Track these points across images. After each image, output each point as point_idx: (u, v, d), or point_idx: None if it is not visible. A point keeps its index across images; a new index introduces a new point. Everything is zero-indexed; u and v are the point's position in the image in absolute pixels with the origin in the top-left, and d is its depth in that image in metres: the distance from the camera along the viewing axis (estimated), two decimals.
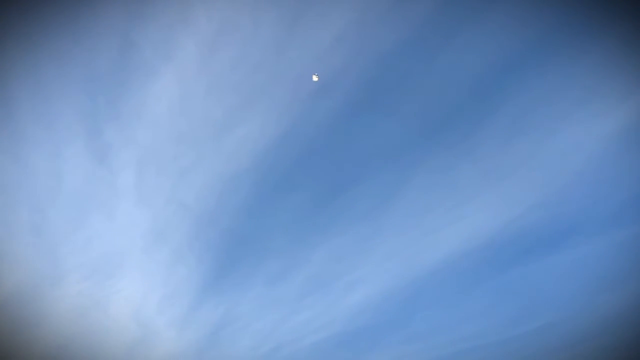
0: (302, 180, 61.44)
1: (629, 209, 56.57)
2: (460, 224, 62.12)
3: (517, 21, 50.75)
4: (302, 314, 66.69)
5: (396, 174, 59.74)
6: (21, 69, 49.34)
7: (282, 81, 54.51)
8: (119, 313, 61.05)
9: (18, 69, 49.26)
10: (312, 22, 52.38)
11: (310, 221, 65.54)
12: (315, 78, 32.69)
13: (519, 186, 61.20)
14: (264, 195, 63.73)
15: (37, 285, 54.36)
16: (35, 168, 52.10)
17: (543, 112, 55.49)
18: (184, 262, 63.18)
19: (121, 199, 56.25)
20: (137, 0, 49.37)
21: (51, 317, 57.77)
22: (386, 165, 60.32)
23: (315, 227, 65.21)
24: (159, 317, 63.61)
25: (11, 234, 51.89)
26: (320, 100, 54.96)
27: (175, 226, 59.96)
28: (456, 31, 52.78)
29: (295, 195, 65.38)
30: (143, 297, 63.79)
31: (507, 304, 63.65)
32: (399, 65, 54.65)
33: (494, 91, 56.75)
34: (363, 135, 58.40)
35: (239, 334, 65.15)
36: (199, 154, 56.49)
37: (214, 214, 62.33)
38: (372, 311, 64.62)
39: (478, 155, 58.93)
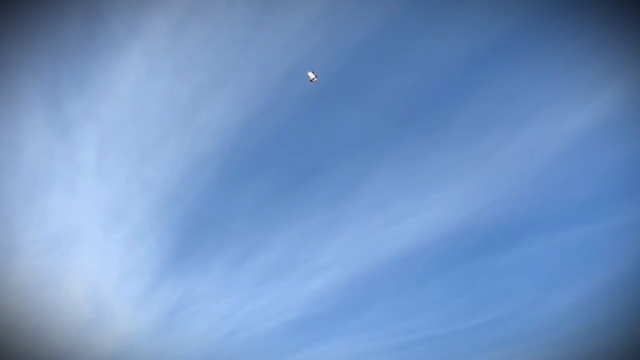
0: (266, 165, 61.25)
1: (586, 209, 58.33)
2: (422, 216, 62.94)
3: (487, 19, 51.54)
4: (261, 299, 66.47)
5: (361, 164, 60.14)
6: None
7: (252, 65, 54.15)
8: (74, 291, 59.76)
9: None
10: (284, 8, 52.12)
11: (273, 207, 65.36)
12: (311, 76, 31.51)
13: (481, 181, 62.36)
14: (228, 178, 63.29)
15: None
16: None
17: (508, 109, 56.52)
18: (143, 242, 62.18)
19: (81, 174, 55.03)
20: None
21: (1, 293, 56.24)
22: (351, 155, 60.66)
23: (278, 213, 65.04)
24: (116, 296, 62.48)
25: None
26: (289, 87, 54.83)
27: (136, 205, 58.99)
28: (427, 26, 53.28)
29: (259, 180, 65.08)
30: (100, 275, 62.53)
31: (463, 295, 64.77)
32: (369, 56, 54.92)
33: (461, 87, 57.59)
34: (330, 123, 58.51)
35: (196, 317, 64.55)
36: (163, 134, 55.64)
37: (176, 195, 61.56)
38: (331, 299, 64.84)
39: (442, 149, 59.82)
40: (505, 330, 62.95)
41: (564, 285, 60.66)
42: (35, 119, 51.26)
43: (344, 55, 54.39)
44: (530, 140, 56.14)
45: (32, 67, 49.61)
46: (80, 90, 52.28)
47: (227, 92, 54.93)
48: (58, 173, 54.14)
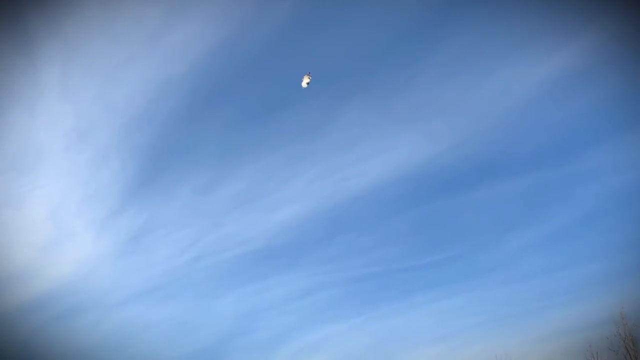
0: (236, 93, 60.61)
1: (546, 154, 59.99)
2: (387, 155, 63.74)
3: None
4: (225, 228, 67.00)
5: (332, 100, 60.09)
6: None
7: None
8: (35, 211, 59.05)
9: None
10: None
11: (242, 137, 65.10)
12: (306, 79, 30.09)
13: (447, 124, 63.24)
14: (196, 105, 62.48)
15: None
16: None
17: (475, 55, 56.86)
18: (107, 165, 61.45)
19: (44, 93, 53.52)
20: None
21: None
22: (322, 90, 60.49)
23: (246, 143, 64.88)
24: (78, 218, 62.05)
25: None
26: (263, 14, 53.84)
27: (100, 128, 57.94)
28: None
29: (228, 109, 64.47)
30: (62, 196, 61.78)
31: (423, 233, 66.59)
32: None
33: (429, 31, 57.55)
34: (302, 56, 57.93)
35: (159, 242, 64.80)
36: (131, 55, 54.27)
37: (142, 119, 60.59)
38: (295, 231, 65.79)
39: (410, 91, 60.11)
40: (462, 267, 65.14)
41: (521, 227, 62.86)
42: None
43: None
44: (498, 86, 56.84)
45: None
46: (44, 7, 50.28)
47: (198, 14, 53.54)
48: (18, 90, 52.50)
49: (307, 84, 29.38)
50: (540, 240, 63.07)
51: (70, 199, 61.39)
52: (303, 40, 57.16)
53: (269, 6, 52.56)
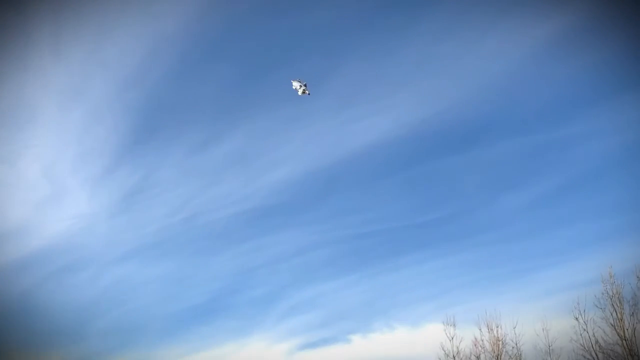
0: (232, 52, 59.54)
1: (540, 116, 59.66)
2: (382, 116, 63.30)
3: None
4: (220, 187, 67.12)
5: (327, 58, 59.17)
6: None
7: None
8: (29, 169, 58.84)
9: None
10: None
11: (237, 96, 64.41)
12: (300, 87, 27.35)
13: (444, 83, 62.56)
14: (192, 62, 61.39)
15: None
16: None
17: (469, 17, 55.57)
18: (101, 123, 60.86)
19: (36, 50, 52.28)
20: None
21: None
22: (317, 48, 59.48)
23: (241, 102, 64.23)
24: (72, 176, 61.94)
25: None
26: None
27: (94, 84, 57.05)
28: None
29: (224, 66, 63.42)
30: (55, 154, 61.47)
31: (416, 194, 66.91)
32: None
33: None
34: (296, 14, 56.77)
35: (154, 200, 64.96)
36: (123, 11, 52.88)
37: (137, 76, 59.68)
38: (289, 190, 65.99)
39: (405, 52, 59.17)
40: (454, 228, 65.78)
41: (514, 188, 63.19)
42: None
43: None
44: (493, 47, 55.92)
45: None
46: None
47: None
48: (10, 47, 51.32)
49: (304, 92, 27.17)
50: (532, 201, 63.47)
51: (64, 157, 61.04)
52: None
53: None
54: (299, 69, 63.19)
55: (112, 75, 57.90)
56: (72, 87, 57.70)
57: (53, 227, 62.82)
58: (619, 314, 22.07)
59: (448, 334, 28.76)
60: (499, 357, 26.43)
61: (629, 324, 21.72)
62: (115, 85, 58.95)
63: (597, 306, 22.57)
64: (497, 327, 27.00)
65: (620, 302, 22.24)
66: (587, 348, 22.40)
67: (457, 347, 28.40)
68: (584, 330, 22.70)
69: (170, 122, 65.75)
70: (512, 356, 26.19)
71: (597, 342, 22.21)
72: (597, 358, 22.11)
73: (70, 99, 58.32)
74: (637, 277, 22.44)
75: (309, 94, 27.85)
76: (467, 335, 28.38)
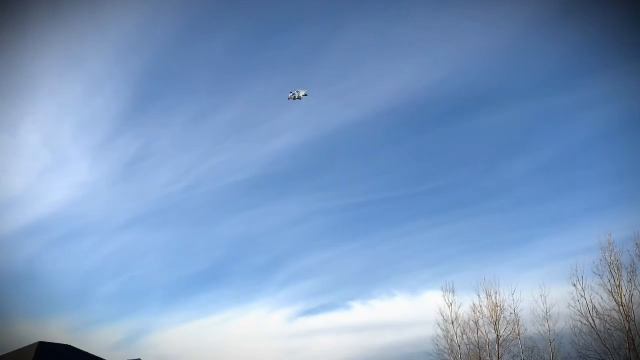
0: (231, 19, 58.48)
1: (544, 84, 58.93)
2: (386, 82, 62.62)
3: None
4: (221, 156, 66.99)
5: (328, 25, 58.16)
6: None
7: None
8: (30, 137, 58.61)
9: None
10: None
11: (237, 62, 63.60)
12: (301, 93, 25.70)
13: (445, 51, 61.62)
14: (191, 29, 60.37)
15: None
16: None
17: None
18: (101, 92, 60.37)
19: (34, 17, 51.27)
20: None
21: None
22: (318, 14, 58.37)
23: (242, 70, 63.46)
24: (73, 145, 61.81)
25: None
26: None
27: (92, 52, 56.28)
28: None
29: (225, 33, 62.43)
30: (56, 123, 61.22)
31: (418, 162, 66.82)
32: None
33: None
34: None
35: (155, 169, 64.99)
36: None
37: (136, 43, 58.84)
38: (291, 159, 65.91)
39: (408, 18, 58.02)
40: (455, 196, 65.93)
41: (516, 155, 63.03)
42: None
43: None
44: (499, 13, 54.89)
45: None
46: None
47: None
48: (7, 14, 50.33)
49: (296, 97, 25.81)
50: (532, 169, 63.43)
51: (64, 125, 60.75)
52: None
53: None
54: (300, 33, 62.05)
55: (111, 43, 56.99)
56: (71, 55, 56.94)
57: (55, 195, 63.05)
58: (616, 281, 22.25)
59: (447, 301, 29.16)
60: (497, 322, 26.82)
61: (627, 290, 21.92)
62: (115, 53, 58.12)
63: (595, 273, 22.75)
64: (496, 293, 27.34)
65: (618, 269, 22.41)
66: (584, 314, 22.68)
67: (456, 313, 28.85)
68: (582, 296, 22.94)
69: (170, 91, 65.14)
70: (510, 322, 26.59)
71: (594, 308, 22.48)
72: (594, 323, 22.40)
73: (70, 67, 57.63)
74: (636, 245, 22.53)
75: (305, 95, 26.69)
76: (466, 302, 28.78)
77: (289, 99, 26.04)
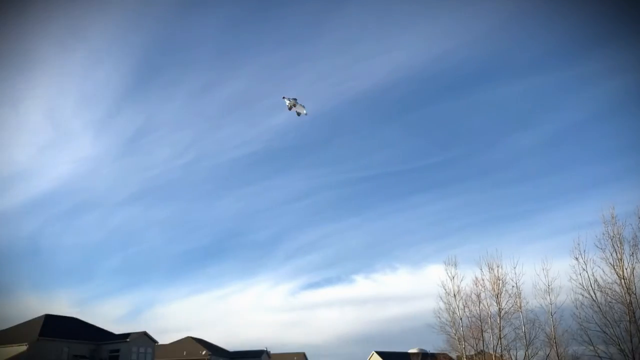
0: None
1: (549, 57, 58.24)
2: (388, 56, 61.90)
3: None
4: (224, 130, 66.54)
5: None
6: None
7: None
8: (31, 112, 58.35)
9: None
10: None
11: (239, 35, 62.79)
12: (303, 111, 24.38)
13: (449, 23, 60.79)
14: (194, 1, 59.51)
15: None
16: None
17: None
18: (102, 66, 59.82)
19: None
20: None
21: None
22: None
23: (244, 42, 62.72)
24: (75, 119, 61.45)
25: None
26: None
27: (92, 26, 55.70)
28: None
29: (228, 5, 61.54)
30: (58, 97, 60.81)
31: (421, 136, 66.67)
32: None
33: None
34: None
35: (157, 144, 64.67)
36: None
37: (137, 17, 58.09)
38: (293, 133, 65.76)
39: None
40: (459, 170, 65.95)
41: (520, 129, 62.73)
42: None
43: None
44: None
45: None
46: None
47: None
48: None
49: (298, 112, 24.80)
50: (536, 144, 63.26)
51: (66, 100, 60.41)
52: None
53: None
54: (301, 7, 61.05)
55: (112, 17, 56.29)
56: (72, 29, 56.33)
57: (58, 170, 63.01)
58: (619, 254, 22.30)
59: (449, 274, 29.36)
60: (498, 295, 27.04)
61: (629, 263, 22.00)
62: (115, 27, 57.41)
63: (597, 246, 22.78)
64: (498, 267, 27.51)
65: (620, 243, 22.42)
66: (585, 287, 22.79)
67: (458, 286, 29.09)
68: (584, 269, 23.01)
69: (172, 65, 64.43)
70: (512, 294, 26.83)
71: (595, 281, 22.58)
72: (595, 296, 22.55)
73: (70, 41, 57.03)
74: (639, 218, 22.51)
75: (305, 113, 25.71)
76: (468, 276, 29.03)
77: (287, 106, 25.32)
